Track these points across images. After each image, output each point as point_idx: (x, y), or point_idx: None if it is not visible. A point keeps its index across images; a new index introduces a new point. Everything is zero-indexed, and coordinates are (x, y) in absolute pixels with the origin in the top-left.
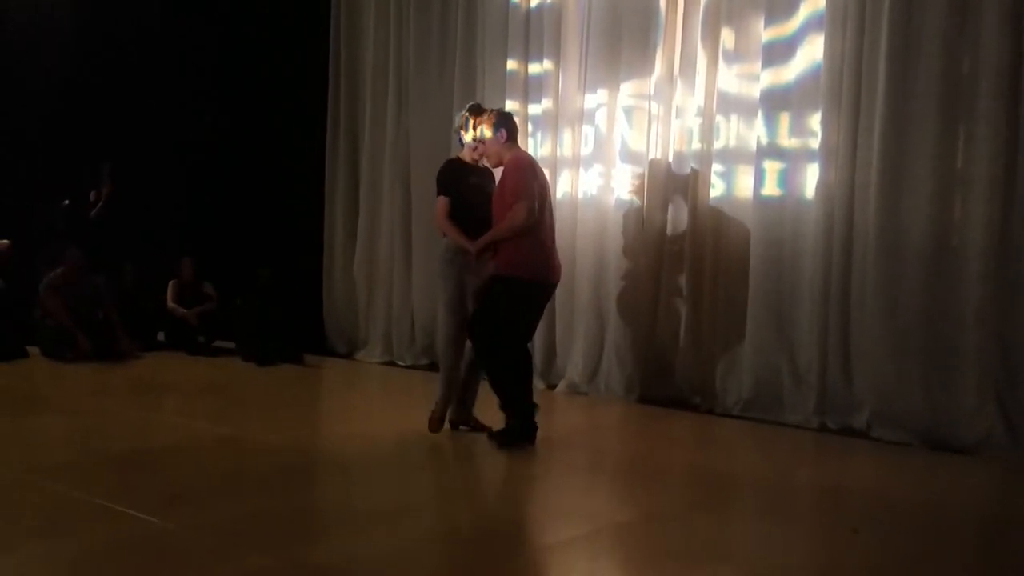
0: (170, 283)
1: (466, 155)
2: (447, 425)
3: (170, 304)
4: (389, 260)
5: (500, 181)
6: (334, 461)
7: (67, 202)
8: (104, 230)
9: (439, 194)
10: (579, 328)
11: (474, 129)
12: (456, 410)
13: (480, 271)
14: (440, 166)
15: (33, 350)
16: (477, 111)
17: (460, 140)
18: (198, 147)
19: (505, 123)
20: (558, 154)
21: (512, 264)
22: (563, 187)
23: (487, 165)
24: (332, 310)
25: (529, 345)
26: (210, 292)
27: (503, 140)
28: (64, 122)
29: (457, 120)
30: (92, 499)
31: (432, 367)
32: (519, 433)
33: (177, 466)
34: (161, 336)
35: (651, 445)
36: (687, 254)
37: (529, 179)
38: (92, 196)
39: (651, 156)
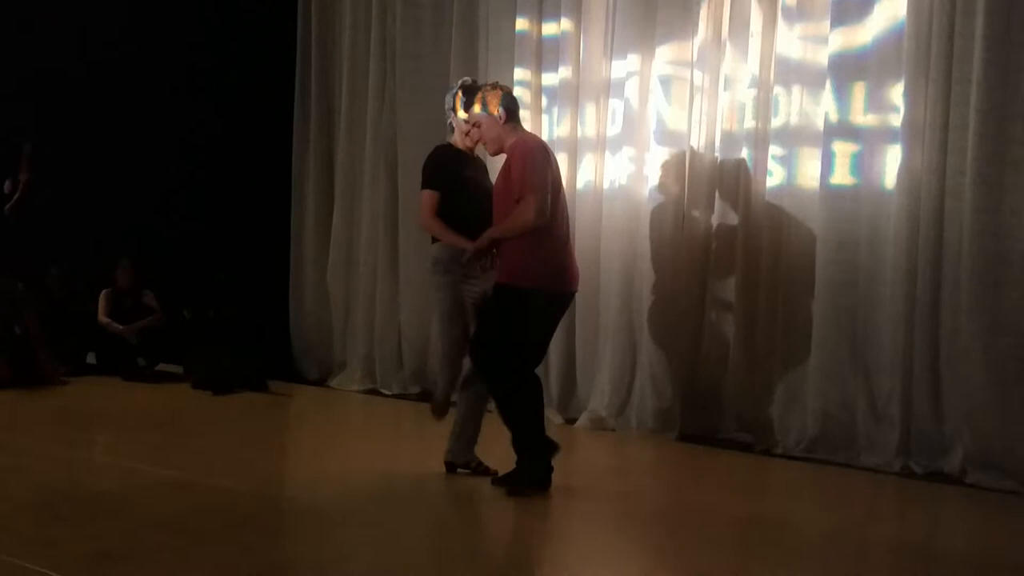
0: (102, 293)
1: (458, 141)
2: (444, 469)
3: (102, 318)
4: (371, 266)
5: (503, 171)
6: (305, 510)
7: None
8: (22, 227)
9: (424, 187)
10: (605, 350)
11: (466, 109)
12: (455, 449)
13: (480, 278)
14: (429, 152)
15: None
16: (471, 89)
17: (451, 124)
18: (136, 125)
19: (504, 100)
20: (579, 134)
21: (520, 271)
22: (585, 175)
23: (481, 153)
24: (301, 327)
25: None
26: (152, 303)
27: (503, 121)
28: None
29: (448, 100)
30: (3, 557)
31: (424, 396)
32: (532, 476)
33: (110, 517)
34: (91, 358)
35: (693, 493)
36: (738, 259)
37: (541, 167)
38: (6, 187)
39: (694, 137)
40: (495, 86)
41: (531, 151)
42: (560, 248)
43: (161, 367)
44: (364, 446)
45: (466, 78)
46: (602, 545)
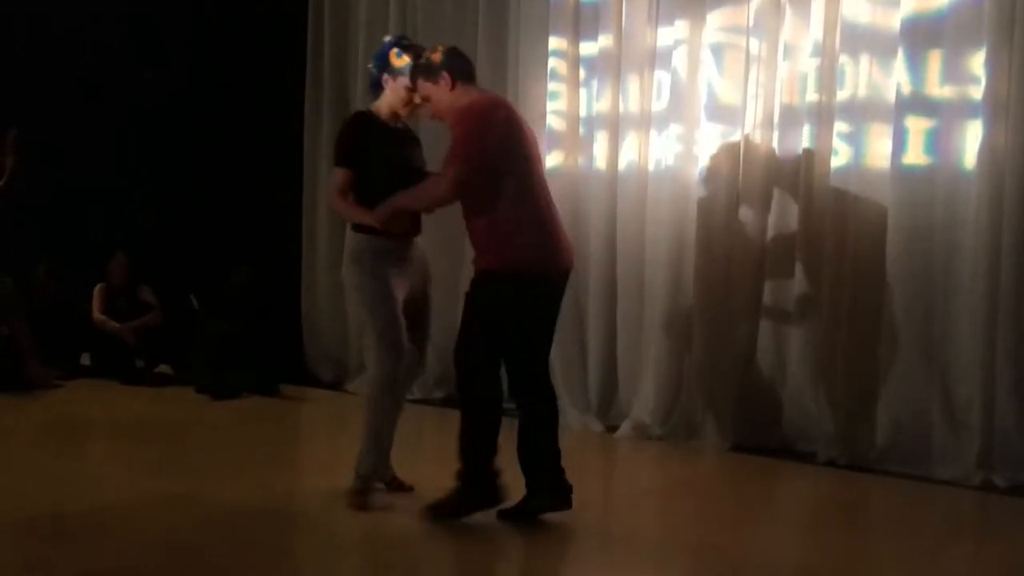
0: (96, 288)
1: (385, 107)
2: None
3: (97, 315)
4: None
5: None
6: (318, 528)
7: None
8: (8, 217)
9: (336, 164)
10: (649, 349)
11: (413, 79)
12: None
13: (412, 270)
14: (344, 123)
15: None
16: (406, 47)
17: (377, 82)
18: (135, 108)
19: (448, 63)
20: (621, 110)
21: (500, 253)
22: (627, 155)
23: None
24: (314, 326)
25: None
26: (150, 299)
27: (450, 87)
28: None
29: (380, 58)
30: None
31: (449, 401)
32: (473, 503)
33: (107, 535)
34: (86, 359)
35: (752, 513)
36: (799, 247)
37: (474, 133)
38: None
39: (749, 112)
40: (428, 52)
41: (467, 114)
42: (544, 220)
43: (161, 369)
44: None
45: (400, 34)
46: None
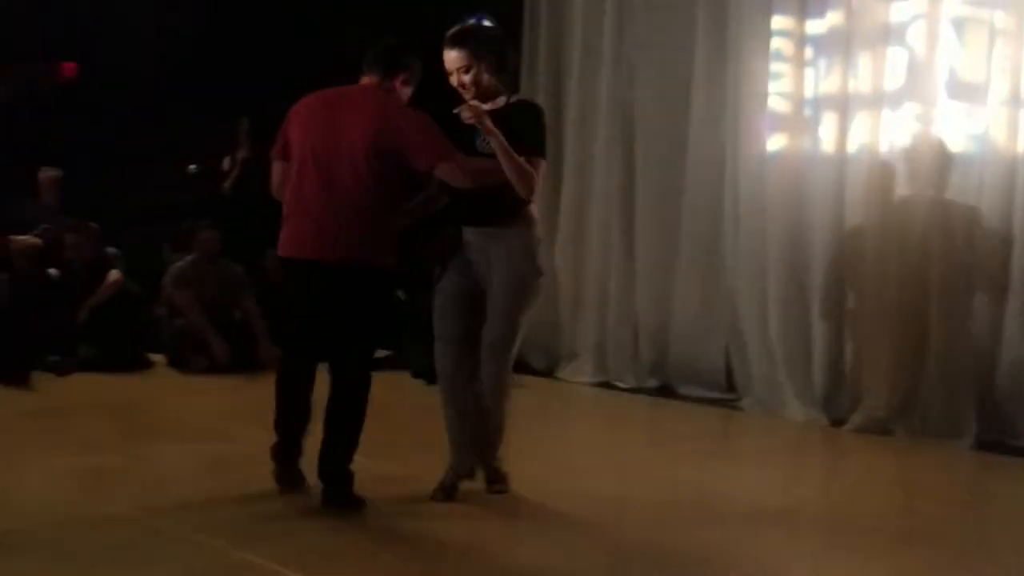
0: None
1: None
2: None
3: None
4: (603, 244)
5: None
6: (534, 511)
7: (194, 167)
8: (240, 206)
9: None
10: (882, 339)
11: None
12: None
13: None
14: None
15: (157, 358)
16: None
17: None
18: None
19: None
20: (851, 89)
21: None
22: (858, 137)
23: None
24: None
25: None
26: None
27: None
28: (190, 72)
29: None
30: (230, 549)
31: (663, 390)
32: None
33: (331, 512)
34: None
35: (996, 519)
36: None
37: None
38: (226, 164)
39: (994, 89)
40: None
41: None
42: (294, 210)
43: (380, 353)
44: (592, 447)
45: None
46: None
